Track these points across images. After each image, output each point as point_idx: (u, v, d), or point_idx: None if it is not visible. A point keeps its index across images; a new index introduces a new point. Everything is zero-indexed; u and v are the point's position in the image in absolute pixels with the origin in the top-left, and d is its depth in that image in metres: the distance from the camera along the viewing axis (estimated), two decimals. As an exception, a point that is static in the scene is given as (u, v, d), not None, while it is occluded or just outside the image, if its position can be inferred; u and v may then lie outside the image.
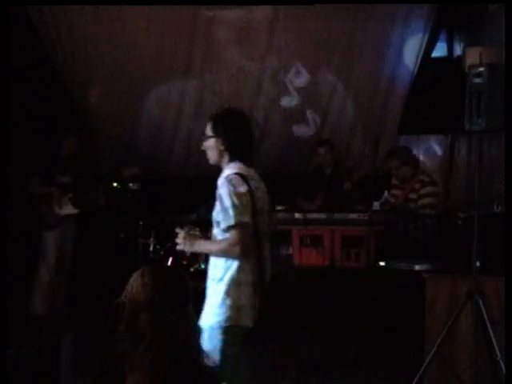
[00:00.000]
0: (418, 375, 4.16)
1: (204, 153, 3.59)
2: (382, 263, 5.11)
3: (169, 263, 6.39)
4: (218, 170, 3.53)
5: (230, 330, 3.30)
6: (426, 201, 5.76)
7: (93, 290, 6.32)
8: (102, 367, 2.36)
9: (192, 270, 6.43)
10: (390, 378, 4.92)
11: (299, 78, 7.29)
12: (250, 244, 3.35)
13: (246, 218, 3.33)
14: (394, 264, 5.04)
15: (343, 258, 5.52)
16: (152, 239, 6.55)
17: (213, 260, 3.47)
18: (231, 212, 3.31)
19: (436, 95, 6.98)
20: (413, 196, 5.86)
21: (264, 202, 3.53)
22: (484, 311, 4.03)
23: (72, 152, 6.54)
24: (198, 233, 3.52)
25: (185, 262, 6.49)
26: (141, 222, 6.62)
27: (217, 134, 3.48)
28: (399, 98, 7.32)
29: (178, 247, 3.51)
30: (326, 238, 5.56)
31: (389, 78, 7.26)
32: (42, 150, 6.50)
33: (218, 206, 3.38)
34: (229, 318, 3.32)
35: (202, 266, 6.44)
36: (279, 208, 5.93)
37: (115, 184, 6.58)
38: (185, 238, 3.48)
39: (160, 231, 6.58)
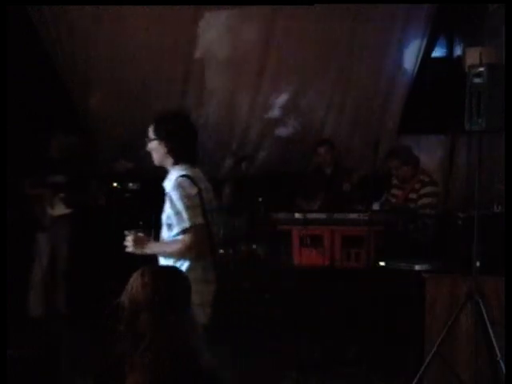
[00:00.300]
0: (418, 375, 4.16)
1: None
2: (382, 263, 5.11)
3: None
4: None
5: None
6: (426, 201, 5.76)
7: (92, 290, 6.32)
8: (102, 367, 2.36)
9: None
10: (390, 378, 4.92)
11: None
12: (205, 245, 3.38)
13: (200, 220, 3.36)
14: (394, 264, 5.04)
15: (343, 258, 5.52)
16: (152, 239, 6.53)
17: (162, 259, 3.48)
18: (185, 215, 3.33)
19: (436, 95, 6.99)
20: (413, 196, 5.85)
21: (211, 201, 3.55)
22: (484, 311, 4.03)
23: (63, 152, 6.50)
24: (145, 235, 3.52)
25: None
26: (141, 222, 6.62)
27: (159, 136, 3.49)
28: (399, 98, 7.32)
29: (128, 249, 3.49)
30: (326, 237, 5.56)
31: (389, 78, 7.27)
32: (34, 150, 6.47)
33: (168, 209, 3.40)
34: None
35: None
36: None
37: (115, 184, 6.57)
38: (134, 241, 3.47)
39: (160, 231, 6.57)
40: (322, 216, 5.68)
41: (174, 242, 3.41)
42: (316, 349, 5.41)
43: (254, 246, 6.63)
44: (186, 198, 3.34)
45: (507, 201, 4.08)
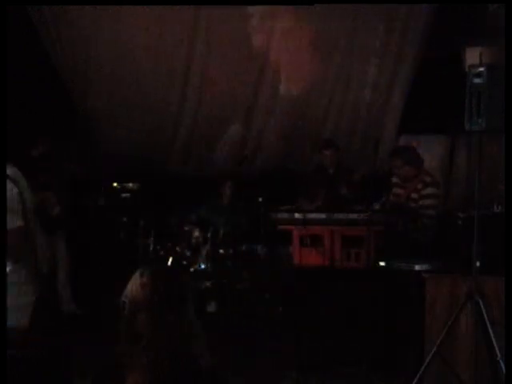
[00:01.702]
0: (418, 375, 4.16)
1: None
2: (382, 263, 5.11)
3: (169, 263, 6.39)
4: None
5: None
6: (427, 202, 5.75)
7: (92, 290, 6.32)
8: (102, 367, 2.36)
9: (192, 269, 6.44)
10: (390, 378, 4.91)
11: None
12: (22, 247, 3.30)
13: (18, 223, 3.27)
14: (394, 264, 5.04)
15: (343, 258, 5.52)
16: (152, 239, 6.55)
17: None
18: None
19: (436, 95, 6.99)
20: (414, 196, 5.84)
21: (31, 202, 3.45)
22: (484, 311, 4.03)
23: (41, 152, 6.41)
24: None
25: (185, 262, 6.49)
26: (141, 222, 6.63)
27: None
28: (399, 98, 7.32)
29: None
30: (326, 237, 5.56)
31: (389, 78, 7.27)
32: (21, 151, 6.39)
33: None
34: None
35: (202, 266, 6.46)
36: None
37: (115, 184, 6.57)
38: None
39: (160, 231, 6.59)
40: (322, 216, 5.68)
41: None
42: (316, 349, 5.41)
43: (254, 246, 6.63)
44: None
45: (507, 201, 4.08)
